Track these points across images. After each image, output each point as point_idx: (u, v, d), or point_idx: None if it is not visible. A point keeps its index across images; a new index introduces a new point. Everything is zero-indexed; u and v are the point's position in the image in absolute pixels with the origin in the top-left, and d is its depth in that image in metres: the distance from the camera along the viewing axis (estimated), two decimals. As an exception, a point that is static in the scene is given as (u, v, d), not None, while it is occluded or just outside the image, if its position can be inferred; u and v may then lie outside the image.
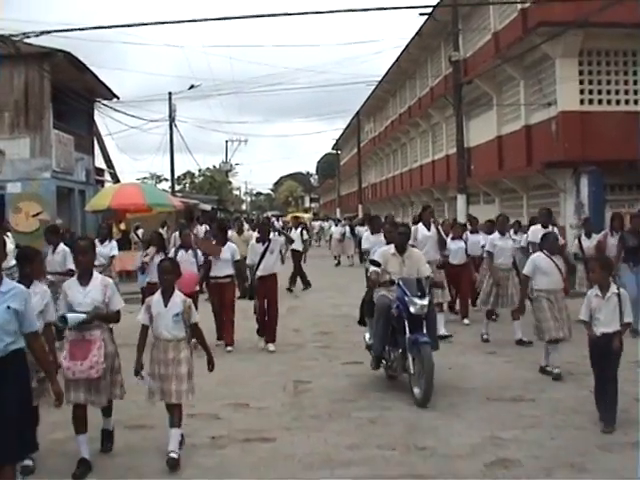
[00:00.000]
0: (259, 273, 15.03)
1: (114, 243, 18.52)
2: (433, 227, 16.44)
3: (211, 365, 8.67)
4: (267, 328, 15.31)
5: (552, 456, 8.09)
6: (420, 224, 16.60)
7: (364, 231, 35.22)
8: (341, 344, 15.67)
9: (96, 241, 16.63)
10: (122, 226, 28.63)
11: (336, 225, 43.19)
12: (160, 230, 25.73)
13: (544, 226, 15.63)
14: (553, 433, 8.89)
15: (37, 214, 27.67)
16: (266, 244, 15.13)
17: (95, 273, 8.55)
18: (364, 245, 17.41)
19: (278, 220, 70.72)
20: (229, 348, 15.11)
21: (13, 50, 23.04)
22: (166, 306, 8.40)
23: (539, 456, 8.09)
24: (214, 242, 16.41)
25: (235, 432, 9.31)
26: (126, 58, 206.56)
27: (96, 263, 16.27)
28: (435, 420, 9.62)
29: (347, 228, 40.99)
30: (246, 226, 33.64)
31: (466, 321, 17.66)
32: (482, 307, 16.08)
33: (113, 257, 18.21)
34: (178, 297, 8.48)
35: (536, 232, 15.62)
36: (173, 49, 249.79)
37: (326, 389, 11.61)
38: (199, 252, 15.90)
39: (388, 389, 11.53)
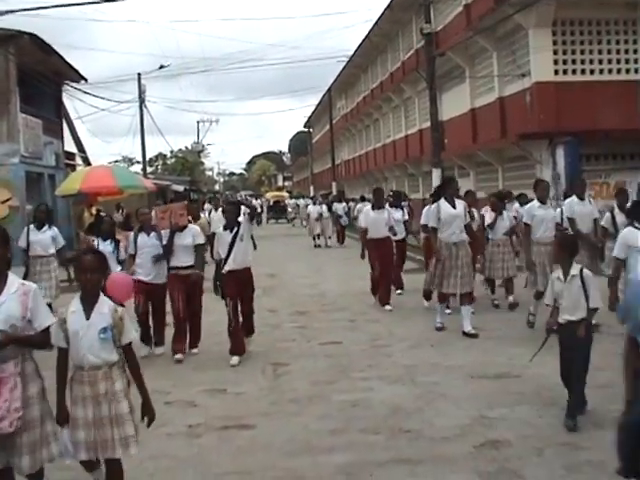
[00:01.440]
0: (228, 267, 12.19)
1: (56, 230, 15.95)
2: (460, 203, 13.95)
3: (149, 418, 6.26)
4: (244, 329, 12.51)
5: (543, 435, 7.82)
6: (442, 200, 13.80)
7: (360, 207, 34.92)
8: (318, 324, 15.35)
9: (31, 227, 15.69)
10: (93, 210, 28.13)
11: (314, 204, 40.02)
12: (116, 214, 25.21)
13: (580, 198, 13.89)
14: (541, 411, 8.62)
15: (6, 200, 27.08)
16: (235, 230, 12.25)
17: (11, 276, 6.05)
18: (362, 224, 17.25)
19: (257, 199, 70.08)
20: (194, 350, 12.92)
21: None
22: (88, 318, 6.05)
23: (529, 435, 7.81)
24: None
25: (212, 419, 8.97)
26: (93, 39, 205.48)
27: (37, 253, 15.46)
28: (419, 400, 9.32)
29: (324, 207, 38.13)
30: (207, 206, 32.68)
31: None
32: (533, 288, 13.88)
33: (61, 251, 15.94)
34: (105, 305, 6.11)
35: (572, 205, 13.81)
36: (140, 28, 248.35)
37: (305, 371, 11.30)
38: (164, 234, 12.88)
39: (368, 368, 11.24)
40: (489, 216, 16.52)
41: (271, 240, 39.41)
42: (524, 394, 9.35)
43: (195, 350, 12.93)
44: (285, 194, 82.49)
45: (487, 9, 27.88)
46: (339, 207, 38.48)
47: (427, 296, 16.22)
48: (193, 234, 12.91)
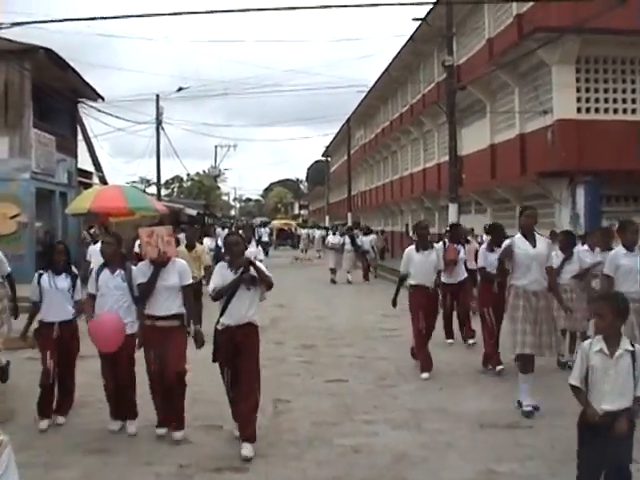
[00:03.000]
0: (225, 321, 9.07)
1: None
2: (541, 240, 11.26)
3: None
4: (240, 416, 9.22)
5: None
6: (518, 236, 11.14)
7: (364, 239, 34.06)
8: (325, 359, 14.88)
9: None
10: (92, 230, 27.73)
11: (334, 234, 36.83)
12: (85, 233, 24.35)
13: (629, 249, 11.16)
14: (554, 468, 8.03)
15: (15, 216, 26.88)
16: (241, 270, 9.09)
17: None
18: (402, 268, 13.89)
19: (264, 227, 69.12)
20: (178, 435, 9.35)
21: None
22: None
23: (540, 495, 7.28)
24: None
25: (205, 459, 8.48)
26: (112, 58, 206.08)
27: None
28: (424, 449, 8.79)
29: (347, 238, 34.44)
30: (219, 232, 31.87)
31: None
32: None
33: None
34: None
35: (619, 257, 11.19)
36: (160, 49, 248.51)
37: (307, 410, 10.82)
38: (143, 268, 9.77)
39: (374, 410, 10.74)
40: (556, 257, 13.49)
41: (281, 269, 38.91)
42: (536, 447, 8.79)
43: (179, 435, 9.36)
44: (292, 222, 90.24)
45: (510, 44, 27.52)
46: (366, 241, 35.41)
47: (487, 361, 13.67)
48: (179, 271, 9.65)
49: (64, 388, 10.16)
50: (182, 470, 8.17)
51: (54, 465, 8.23)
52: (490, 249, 13.77)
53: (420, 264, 13.62)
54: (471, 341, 16.16)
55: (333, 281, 33.34)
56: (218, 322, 9.13)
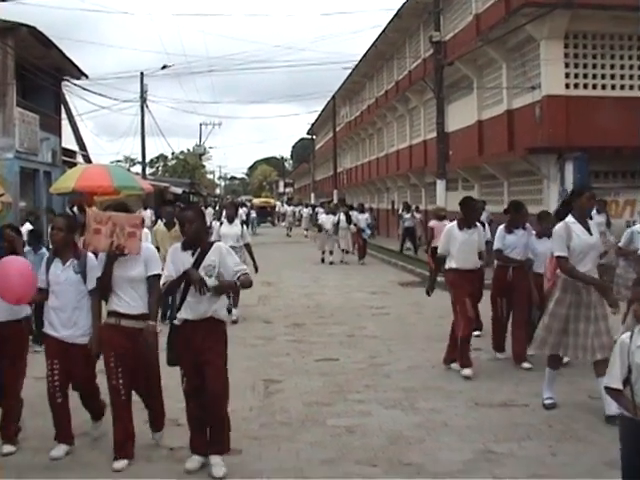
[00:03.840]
0: (183, 315, 7.63)
1: None
2: (594, 227, 9.64)
3: None
4: (209, 431, 7.77)
5: (555, 475, 7.13)
6: (572, 220, 9.36)
7: (359, 217, 32.88)
8: (315, 338, 14.72)
9: None
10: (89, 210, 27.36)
11: (327, 213, 34.44)
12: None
13: None
14: (553, 446, 7.91)
15: (-1, 196, 26.58)
16: (196, 254, 7.65)
17: None
18: (442, 249, 11.96)
19: (243, 207, 66.83)
20: (157, 436, 8.46)
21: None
22: None
23: (541, 475, 7.12)
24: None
25: (196, 442, 8.31)
26: (95, 35, 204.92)
27: None
28: (420, 429, 8.62)
29: (341, 216, 32.32)
30: (208, 212, 30.76)
31: None
32: None
33: None
34: None
35: None
36: (143, 25, 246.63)
37: (299, 390, 10.65)
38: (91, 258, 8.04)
39: (366, 389, 10.59)
40: None
41: (268, 247, 38.73)
42: (534, 426, 8.63)
43: (157, 435, 8.44)
44: (271, 200, 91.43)
45: (498, 19, 27.26)
46: (361, 218, 33.11)
47: (499, 347, 12.73)
48: (146, 258, 7.86)
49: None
50: (172, 453, 8.00)
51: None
52: (508, 230, 12.40)
53: (463, 244, 11.72)
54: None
55: (329, 261, 31.65)
56: (174, 317, 7.80)
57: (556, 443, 8.04)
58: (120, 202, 8.86)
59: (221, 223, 16.88)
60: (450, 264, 11.82)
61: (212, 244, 7.80)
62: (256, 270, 15.89)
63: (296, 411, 9.54)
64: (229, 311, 15.38)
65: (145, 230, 16.38)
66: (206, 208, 39.09)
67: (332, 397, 10.21)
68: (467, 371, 11.20)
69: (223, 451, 7.60)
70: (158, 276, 7.79)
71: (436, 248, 17.61)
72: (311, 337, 14.84)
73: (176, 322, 7.70)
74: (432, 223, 19.21)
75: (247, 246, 16.68)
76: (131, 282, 7.80)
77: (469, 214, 11.97)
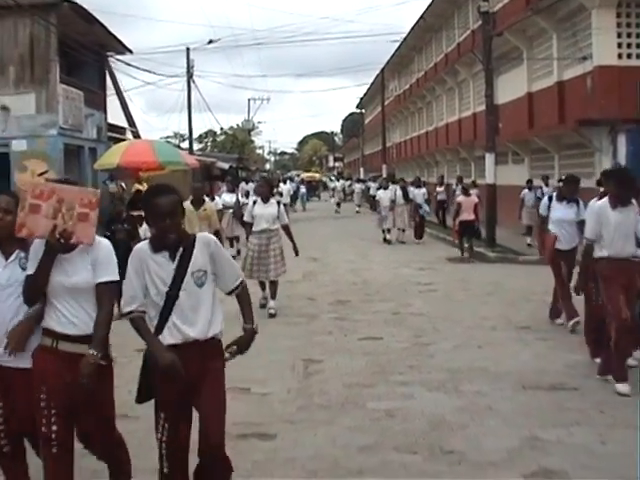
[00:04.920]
0: (168, 340, 5.49)
1: None
2: None
3: None
4: None
5: (606, 467, 6.68)
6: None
7: (417, 192, 31.52)
8: (359, 316, 14.37)
9: None
10: (138, 186, 26.71)
11: (384, 188, 31.17)
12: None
13: None
14: (604, 434, 7.48)
15: (43, 173, 26.44)
16: (178, 255, 5.52)
17: None
18: (589, 232, 9.65)
19: (292, 181, 64.96)
20: None
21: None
22: None
23: (590, 466, 6.69)
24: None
25: (230, 426, 7.82)
26: (139, 9, 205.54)
27: None
28: (463, 414, 8.24)
29: (398, 191, 29.93)
30: (223, 189, 29.39)
31: None
32: None
33: None
34: None
35: None
36: (188, 1, 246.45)
37: (339, 370, 10.31)
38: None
39: (409, 370, 10.23)
40: None
41: (317, 222, 38.40)
42: (583, 412, 8.22)
43: None
44: (316, 175, 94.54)
45: (549, -12, 26.62)
46: (418, 194, 30.56)
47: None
48: (94, 259, 5.52)
49: None
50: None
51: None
52: (559, 199, 12.37)
53: (618, 226, 9.37)
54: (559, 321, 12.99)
55: (387, 241, 29.35)
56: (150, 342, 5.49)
57: (607, 430, 7.62)
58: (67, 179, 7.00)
59: (254, 202, 15.03)
60: (601, 252, 9.51)
61: (195, 238, 5.57)
62: (296, 253, 15.00)
63: (336, 393, 9.21)
64: (262, 306, 14.84)
65: None
66: (247, 183, 37.93)
67: (374, 378, 9.87)
68: (622, 387, 9.02)
69: None
70: (111, 284, 5.54)
71: (462, 222, 17.48)
72: (355, 315, 14.49)
73: (156, 350, 5.42)
74: (460, 198, 19.15)
75: (285, 228, 14.89)
76: (73, 291, 5.46)
77: (624, 188, 9.52)
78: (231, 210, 24.70)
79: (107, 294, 5.50)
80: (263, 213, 14.63)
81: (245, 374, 9.89)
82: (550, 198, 12.76)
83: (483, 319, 13.42)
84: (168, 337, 5.42)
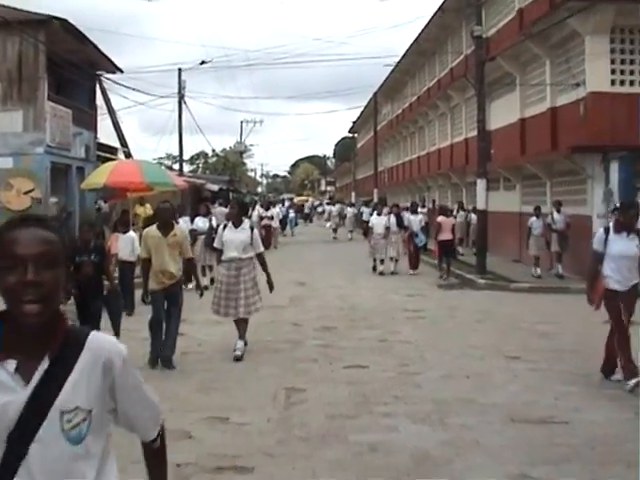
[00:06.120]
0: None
1: None
2: None
3: None
4: None
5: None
6: None
7: (412, 218, 29.39)
8: (345, 342, 14.05)
9: None
10: (141, 209, 25.89)
11: (378, 214, 28.35)
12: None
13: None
14: (595, 472, 7.13)
15: (29, 191, 26.18)
16: (40, 371, 2.56)
17: None
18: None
19: (284, 204, 65.49)
20: None
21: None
22: None
23: (580, 507, 6.39)
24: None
25: (206, 457, 7.67)
26: (131, 26, 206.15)
27: None
28: (449, 448, 7.90)
29: (391, 218, 27.76)
30: (216, 209, 28.77)
31: None
32: None
33: None
34: None
35: None
36: (181, 20, 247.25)
37: (322, 400, 9.96)
38: None
39: (394, 401, 9.89)
40: None
41: (305, 246, 38.12)
42: (574, 447, 7.87)
43: None
44: (305, 198, 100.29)
45: (541, 13, 26.47)
46: (414, 220, 28.12)
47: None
48: None
49: None
50: (179, 470, 7.34)
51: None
52: (617, 230, 10.42)
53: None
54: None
55: (380, 272, 27.10)
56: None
57: (598, 467, 7.28)
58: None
59: (224, 227, 13.19)
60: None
61: (85, 338, 2.73)
62: (271, 289, 13.09)
63: (317, 424, 8.85)
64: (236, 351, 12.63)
65: (131, 234, 15.00)
66: (219, 206, 33.13)
67: (357, 409, 9.53)
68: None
69: None
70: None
71: (441, 242, 17.76)
72: (341, 342, 14.16)
73: None
74: (440, 218, 19.85)
75: (259, 257, 13.01)
76: None
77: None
78: (203, 236, 22.17)
79: None
80: (233, 239, 12.78)
81: (225, 402, 9.63)
82: (607, 230, 10.58)
83: (472, 348, 13.12)
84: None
